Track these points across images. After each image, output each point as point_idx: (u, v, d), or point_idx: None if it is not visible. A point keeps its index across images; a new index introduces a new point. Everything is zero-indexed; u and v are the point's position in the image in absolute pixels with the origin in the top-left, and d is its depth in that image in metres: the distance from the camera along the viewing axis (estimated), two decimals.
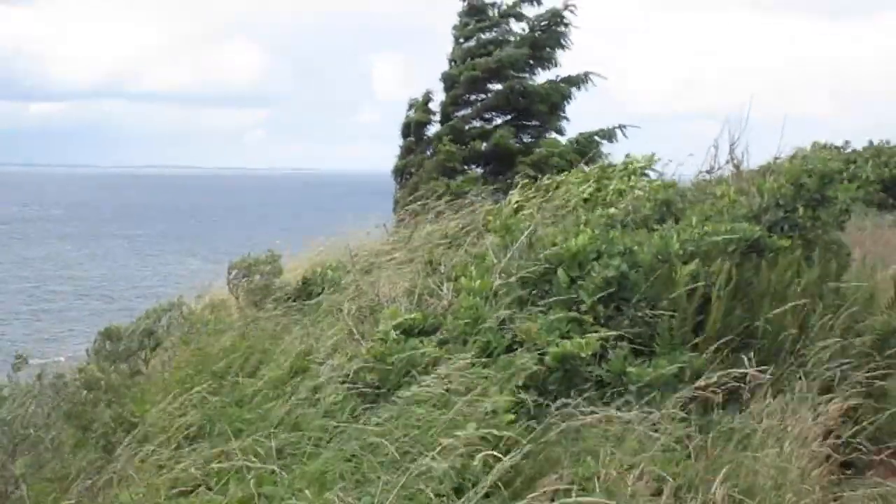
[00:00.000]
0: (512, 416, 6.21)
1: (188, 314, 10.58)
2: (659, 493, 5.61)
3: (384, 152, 24.09)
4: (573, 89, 22.93)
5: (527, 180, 15.63)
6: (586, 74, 23.05)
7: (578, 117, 24.38)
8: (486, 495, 5.37)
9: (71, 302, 41.60)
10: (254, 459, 5.85)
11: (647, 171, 13.99)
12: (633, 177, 13.49)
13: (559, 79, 23.09)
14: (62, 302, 41.64)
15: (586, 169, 15.01)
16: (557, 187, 14.03)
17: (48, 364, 9.44)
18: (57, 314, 37.28)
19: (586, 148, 21.62)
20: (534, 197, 13.96)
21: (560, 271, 7.82)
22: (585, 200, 12.88)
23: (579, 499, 5.27)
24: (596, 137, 22.28)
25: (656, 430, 6.27)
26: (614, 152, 20.76)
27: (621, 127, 22.41)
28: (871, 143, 26.90)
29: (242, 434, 6.45)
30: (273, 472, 5.70)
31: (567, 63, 23.30)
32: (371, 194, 27.20)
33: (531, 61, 22.97)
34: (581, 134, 22.59)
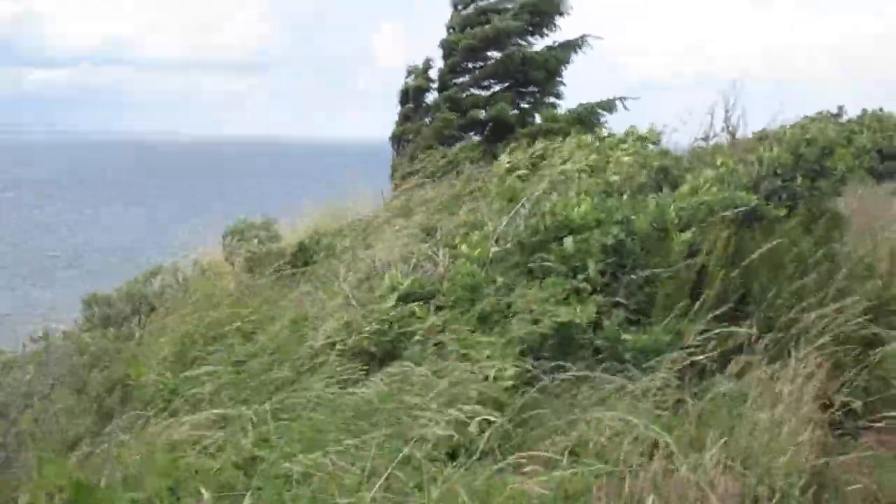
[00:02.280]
0: (510, 382, 6.23)
1: (183, 280, 10.58)
2: (651, 457, 5.62)
3: (383, 119, 23.96)
4: (571, 54, 22.82)
5: (516, 144, 15.58)
6: (583, 38, 22.91)
7: (577, 84, 24.25)
8: (480, 459, 5.39)
9: (68, 268, 41.51)
10: (251, 424, 5.86)
11: (649, 144, 13.91)
12: (639, 146, 13.42)
13: (556, 44, 22.97)
14: (60, 268, 41.55)
15: (588, 139, 14.94)
16: (551, 154, 13.97)
17: (39, 330, 9.42)
18: (53, 280, 37.20)
19: (587, 119, 21.56)
20: (529, 162, 13.90)
21: (567, 239, 7.79)
22: (590, 168, 12.83)
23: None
24: (596, 108, 22.21)
25: (651, 396, 6.30)
26: (614, 123, 20.67)
27: (622, 98, 22.35)
28: (864, 111, 26.86)
29: (239, 399, 6.46)
30: (266, 438, 5.71)
31: (568, 29, 23.17)
32: (369, 161, 27.12)
33: (530, 28, 22.86)
34: (581, 104, 22.48)
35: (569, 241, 7.75)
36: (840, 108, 27.88)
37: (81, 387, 7.64)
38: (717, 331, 7.25)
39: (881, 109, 26.74)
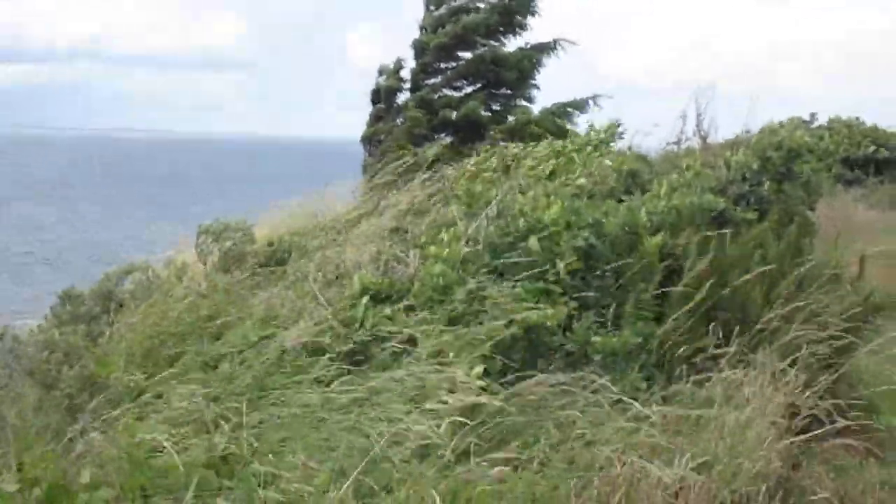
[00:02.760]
0: (483, 383, 6.24)
1: (153, 277, 10.53)
2: (619, 460, 5.65)
3: (357, 119, 23.93)
4: (543, 57, 22.85)
5: (488, 146, 15.59)
6: (556, 41, 22.96)
7: (550, 87, 24.29)
8: (450, 461, 5.41)
9: (40, 266, 41.26)
10: (221, 423, 5.85)
11: (610, 142, 13.89)
12: (597, 148, 13.41)
13: (529, 46, 23.00)
14: (32, 266, 41.28)
15: (555, 142, 14.96)
16: (522, 157, 13.97)
17: (10, 327, 9.34)
18: (26, 278, 36.94)
19: (558, 118, 21.61)
20: (497, 166, 13.89)
21: (532, 239, 7.81)
22: (551, 173, 12.83)
23: None
24: (568, 108, 22.24)
25: (619, 400, 6.33)
26: (586, 123, 20.74)
27: (594, 97, 22.37)
28: (837, 116, 27.05)
29: (209, 398, 6.44)
30: (237, 438, 5.70)
31: (538, 33, 23.19)
32: (341, 161, 27.07)
33: (501, 28, 22.86)
34: (554, 104, 22.52)
35: (533, 241, 7.77)
36: (812, 114, 28.09)
37: (51, 382, 7.58)
38: (686, 334, 7.29)
39: (857, 118, 26.96)
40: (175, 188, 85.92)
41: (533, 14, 23.00)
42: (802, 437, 6.48)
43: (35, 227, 57.20)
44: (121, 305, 10.13)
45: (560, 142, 14.95)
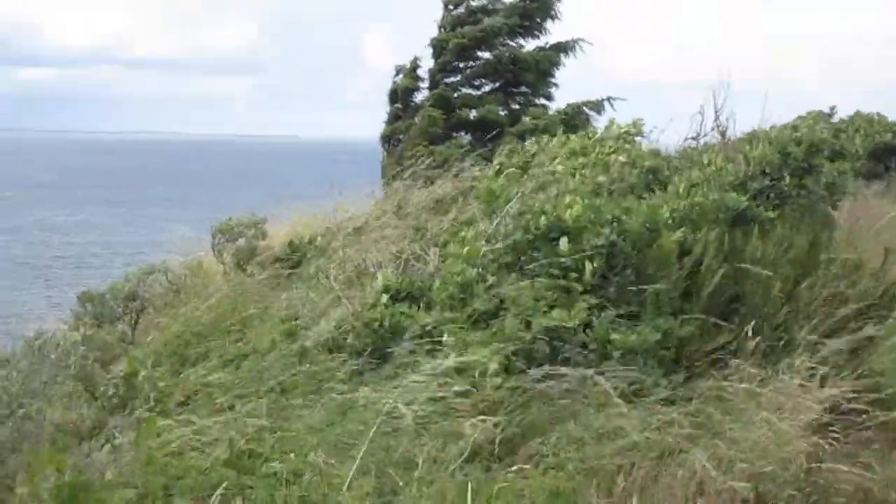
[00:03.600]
0: (499, 380, 6.23)
1: (173, 279, 10.56)
2: (640, 457, 5.64)
3: (374, 119, 23.92)
4: (562, 56, 22.83)
5: (510, 146, 15.55)
6: (574, 41, 22.94)
7: (566, 86, 24.26)
8: (469, 459, 5.41)
9: (62, 268, 41.35)
10: (244, 422, 5.87)
11: (634, 138, 13.85)
12: (622, 142, 13.36)
13: (548, 46, 22.98)
14: (54, 269, 41.39)
15: (572, 138, 14.91)
16: (540, 154, 13.93)
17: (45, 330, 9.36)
18: (46, 281, 37.02)
19: (573, 119, 21.56)
20: (516, 163, 13.86)
21: (562, 240, 7.76)
22: (579, 168, 12.78)
23: None
24: (584, 108, 22.23)
25: (639, 397, 6.31)
26: (602, 124, 20.68)
27: (609, 99, 22.37)
28: (858, 112, 26.81)
29: (232, 398, 6.45)
30: (261, 437, 5.72)
31: (557, 32, 23.19)
32: (360, 161, 27.05)
33: (520, 30, 22.86)
34: (569, 104, 22.49)
35: (564, 242, 7.73)
36: (832, 108, 27.83)
37: (89, 382, 7.57)
38: (708, 332, 7.26)
39: (878, 113, 26.70)
40: (191, 189, 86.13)
41: (553, 18, 23.01)
42: (825, 432, 6.43)
43: (58, 232, 57.41)
44: (143, 307, 10.17)
45: (579, 138, 14.92)
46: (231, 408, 6.14)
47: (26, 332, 8.84)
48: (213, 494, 5.02)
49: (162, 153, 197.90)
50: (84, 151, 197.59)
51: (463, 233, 8.50)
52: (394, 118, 23.37)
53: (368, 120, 24.14)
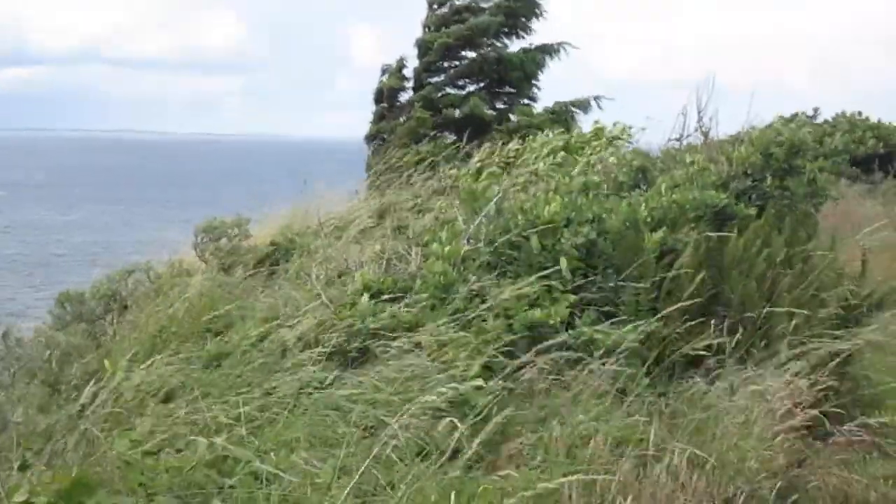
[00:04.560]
0: (480, 382, 6.22)
1: (155, 278, 10.54)
2: (622, 456, 5.64)
3: (360, 119, 23.95)
4: (546, 58, 22.88)
5: (491, 146, 15.59)
6: (560, 44, 23.00)
7: (553, 83, 24.34)
8: (450, 458, 5.39)
9: (49, 268, 41.26)
10: (223, 422, 5.85)
11: (621, 142, 13.93)
12: (611, 146, 13.43)
13: (533, 47, 23.02)
14: (41, 268, 41.27)
15: (551, 135, 14.97)
16: (523, 153, 13.98)
17: (13, 328, 9.34)
18: (29, 281, 36.91)
19: (561, 117, 21.63)
20: (499, 162, 13.89)
21: (533, 238, 7.80)
22: (558, 166, 12.81)
23: None
24: (571, 107, 22.29)
25: (620, 396, 6.32)
26: (589, 122, 20.75)
27: (596, 98, 22.46)
28: (843, 112, 26.95)
29: (211, 397, 6.43)
30: (241, 436, 5.70)
31: (541, 30, 23.25)
32: (344, 160, 27.06)
33: (505, 29, 22.89)
34: (557, 103, 22.55)
35: (534, 240, 7.75)
36: (815, 109, 28.01)
37: (53, 382, 7.57)
38: (688, 331, 7.27)
39: (859, 113, 26.84)
40: (175, 188, 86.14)
41: (538, 17, 23.05)
42: (806, 432, 6.45)
43: (52, 230, 57.37)
44: (125, 306, 10.15)
45: (564, 136, 14.96)
46: (209, 406, 6.12)
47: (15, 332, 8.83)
48: (191, 494, 5.01)
49: (148, 153, 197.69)
50: (71, 150, 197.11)
51: (444, 232, 8.50)
52: (379, 118, 23.39)
53: (356, 119, 24.16)
